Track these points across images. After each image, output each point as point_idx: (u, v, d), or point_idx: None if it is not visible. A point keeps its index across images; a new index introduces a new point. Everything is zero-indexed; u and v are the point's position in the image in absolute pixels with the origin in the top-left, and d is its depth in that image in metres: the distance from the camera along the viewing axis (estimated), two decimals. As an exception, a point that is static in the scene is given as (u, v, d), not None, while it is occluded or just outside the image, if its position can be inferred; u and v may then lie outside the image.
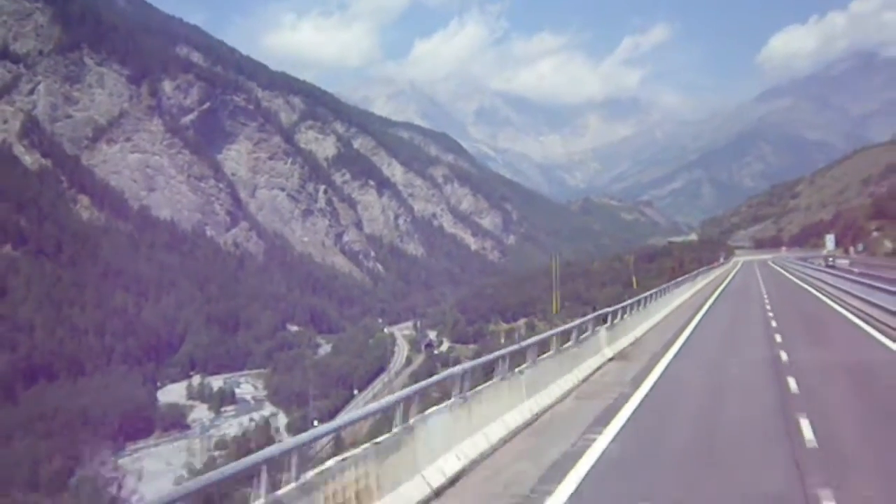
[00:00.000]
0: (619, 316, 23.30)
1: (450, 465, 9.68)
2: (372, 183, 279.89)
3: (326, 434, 7.94)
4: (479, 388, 11.63)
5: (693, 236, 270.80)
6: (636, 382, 16.86)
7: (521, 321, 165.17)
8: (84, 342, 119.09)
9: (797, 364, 18.13)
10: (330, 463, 7.56)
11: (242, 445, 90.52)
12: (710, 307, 40.32)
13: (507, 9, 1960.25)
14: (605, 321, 21.51)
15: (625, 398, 15.00)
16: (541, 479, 9.80)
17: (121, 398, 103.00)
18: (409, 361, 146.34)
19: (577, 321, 19.39)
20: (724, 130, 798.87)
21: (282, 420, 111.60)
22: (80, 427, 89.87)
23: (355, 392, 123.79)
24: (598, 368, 18.93)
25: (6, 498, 70.00)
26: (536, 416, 13.36)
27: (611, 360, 20.42)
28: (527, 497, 9.18)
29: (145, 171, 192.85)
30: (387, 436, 8.61)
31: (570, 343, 17.10)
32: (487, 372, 13.45)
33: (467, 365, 11.37)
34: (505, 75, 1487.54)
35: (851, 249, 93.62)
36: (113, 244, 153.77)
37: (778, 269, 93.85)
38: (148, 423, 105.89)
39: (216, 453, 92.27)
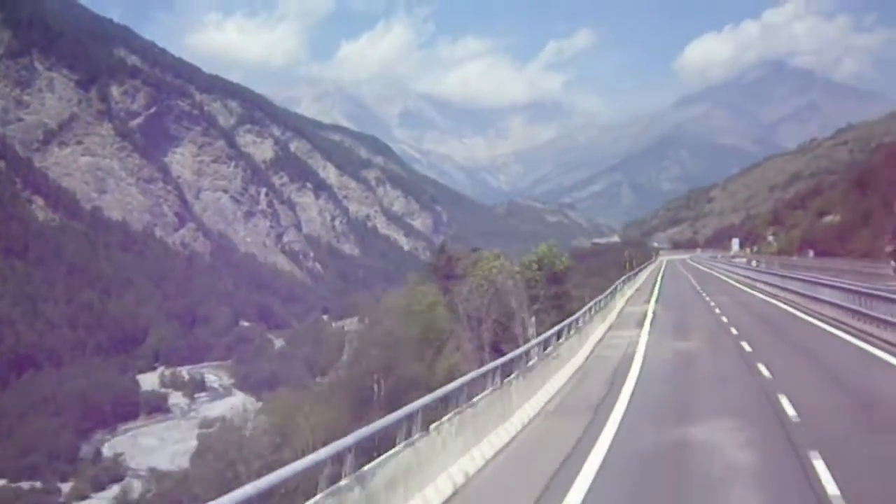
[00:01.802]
0: (635, 274, 67.95)
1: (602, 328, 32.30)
2: (309, 185, 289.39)
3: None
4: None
5: (615, 238, 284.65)
6: (651, 291, 52.96)
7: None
8: (60, 335, 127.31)
9: (702, 285, 58.49)
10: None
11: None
12: (662, 276, 78.69)
13: (434, 12, 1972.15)
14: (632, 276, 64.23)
15: (651, 293, 50.86)
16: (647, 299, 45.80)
17: (104, 386, 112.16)
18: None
19: (630, 272, 66.14)
20: (644, 135, 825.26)
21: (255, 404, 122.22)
22: (74, 410, 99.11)
23: (318, 378, 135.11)
24: (635, 291, 54.75)
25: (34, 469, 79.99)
26: (631, 296, 48.98)
27: (636, 290, 56.05)
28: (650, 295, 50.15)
29: (96, 174, 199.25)
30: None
31: (626, 282, 52.14)
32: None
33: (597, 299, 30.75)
34: (430, 78, 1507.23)
35: (748, 250, 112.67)
36: (75, 244, 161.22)
37: (693, 263, 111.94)
38: (134, 407, 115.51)
39: (205, 431, 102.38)
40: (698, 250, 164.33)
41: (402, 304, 52.79)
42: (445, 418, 10.70)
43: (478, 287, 43.88)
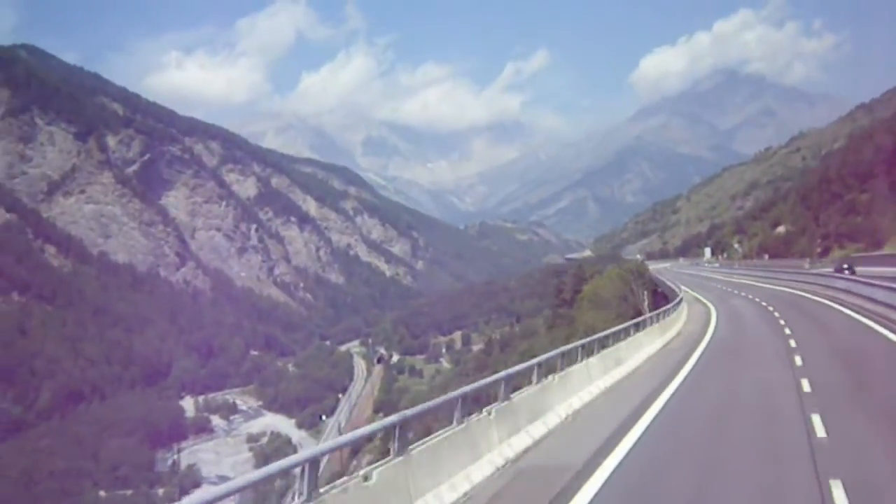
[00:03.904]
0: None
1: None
2: (293, 219, 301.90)
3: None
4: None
5: (587, 252, 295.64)
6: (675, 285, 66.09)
7: (457, 333, 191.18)
8: (99, 371, 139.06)
9: (700, 280, 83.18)
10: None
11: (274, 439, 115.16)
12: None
13: (394, 41, 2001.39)
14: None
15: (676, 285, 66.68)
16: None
17: (154, 412, 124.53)
18: (369, 372, 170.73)
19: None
20: (604, 149, 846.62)
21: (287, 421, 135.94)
22: (138, 433, 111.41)
23: (340, 396, 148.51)
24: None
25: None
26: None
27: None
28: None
29: (100, 220, 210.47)
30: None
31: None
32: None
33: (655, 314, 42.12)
34: (391, 105, 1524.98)
35: (719, 257, 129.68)
36: (90, 287, 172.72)
37: (680, 270, 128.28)
38: (182, 429, 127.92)
39: (253, 444, 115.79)
40: (680, 259, 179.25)
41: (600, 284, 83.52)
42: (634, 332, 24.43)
43: (609, 281, 76.97)
